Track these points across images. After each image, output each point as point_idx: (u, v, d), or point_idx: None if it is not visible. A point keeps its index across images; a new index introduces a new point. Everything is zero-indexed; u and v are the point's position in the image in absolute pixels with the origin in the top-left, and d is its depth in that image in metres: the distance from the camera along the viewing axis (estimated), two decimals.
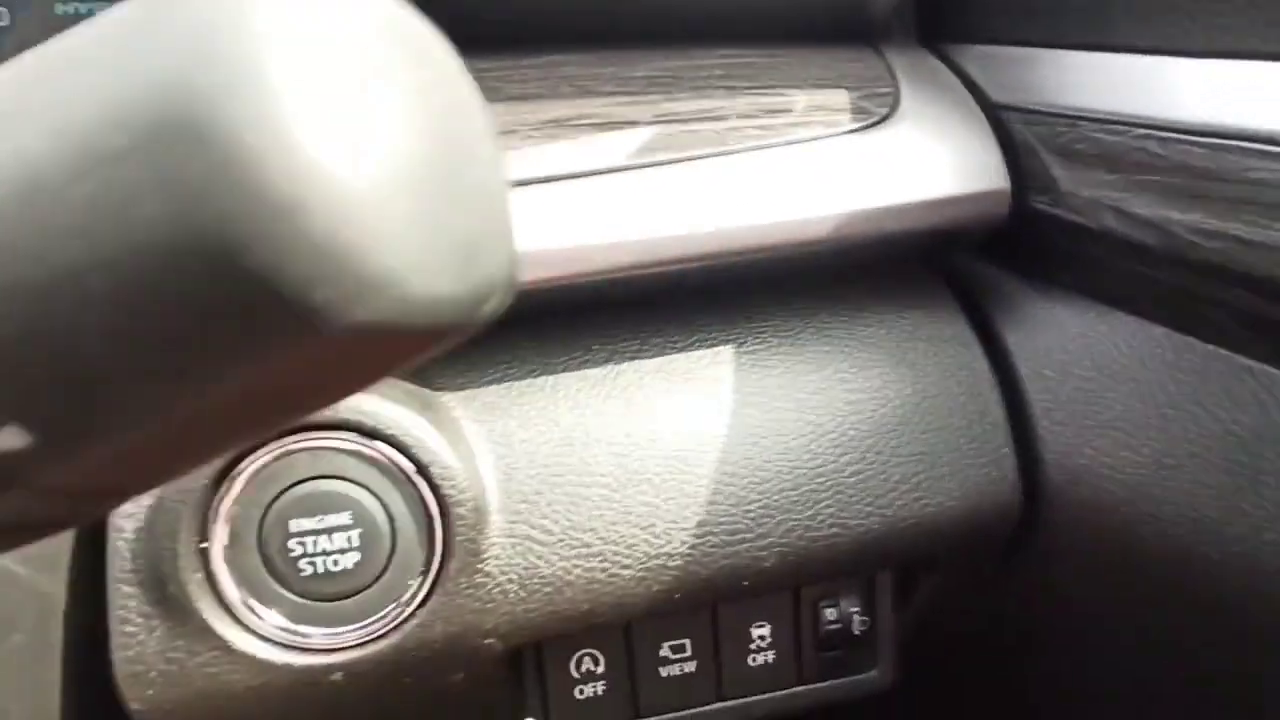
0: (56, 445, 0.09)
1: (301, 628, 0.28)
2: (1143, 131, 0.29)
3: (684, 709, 0.36)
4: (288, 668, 0.28)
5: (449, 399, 0.31)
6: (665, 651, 0.35)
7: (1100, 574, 0.34)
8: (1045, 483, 0.34)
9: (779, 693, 0.36)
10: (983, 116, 0.35)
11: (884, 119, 0.34)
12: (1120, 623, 0.35)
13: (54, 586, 0.28)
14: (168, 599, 0.27)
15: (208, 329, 0.08)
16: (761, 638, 0.36)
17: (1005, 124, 0.35)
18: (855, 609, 0.36)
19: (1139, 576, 0.32)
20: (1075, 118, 0.32)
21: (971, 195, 0.33)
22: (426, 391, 0.31)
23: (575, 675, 0.34)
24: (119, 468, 0.10)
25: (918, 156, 0.33)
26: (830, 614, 0.36)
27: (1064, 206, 0.33)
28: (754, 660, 0.36)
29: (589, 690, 0.35)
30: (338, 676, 0.29)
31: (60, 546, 0.29)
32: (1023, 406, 0.35)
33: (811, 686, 0.37)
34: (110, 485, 0.10)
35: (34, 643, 0.27)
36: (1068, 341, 0.34)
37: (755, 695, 0.36)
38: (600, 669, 0.34)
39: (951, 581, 0.36)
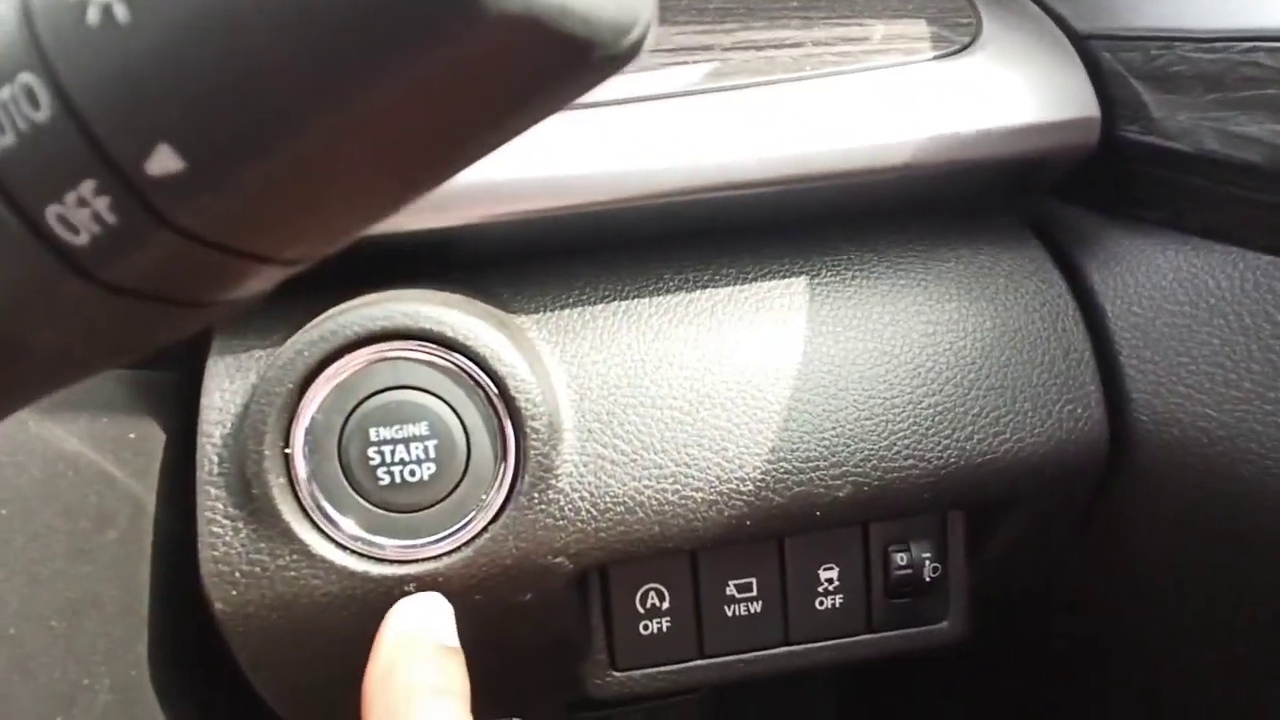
0: (208, 169, 0.09)
1: (377, 538, 0.29)
2: (1249, 45, 0.28)
3: (749, 651, 0.35)
4: (364, 576, 0.28)
5: (524, 321, 0.31)
6: (731, 590, 0.34)
7: (1193, 519, 0.32)
8: (1132, 424, 0.33)
9: (846, 639, 0.36)
10: (1069, 45, 0.34)
11: (965, 48, 0.33)
12: (1215, 571, 0.33)
13: (146, 491, 0.29)
14: (252, 501, 0.28)
15: (370, 18, 0.08)
16: (829, 580, 0.35)
17: (1092, 53, 0.34)
18: (927, 555, 0.35)
19: (1239, 521, 0.30)
20: (1170, 39, 0.31)
21: (1060, 123, 0.32)
22: (502, 313, 0.31)
23: (640, 610, 0.34)
24: (264, 212, 0.10)
25: (1002, 84, 0.32)
26: (900, 559, 0.35)
27: (1157, 133, 0.32)
28: (821, 604, 0.35)
29: (654, 626, 0.34)
30: (411, 589, 0.29)
31: (152, 453, 0.30)
32: (1108, 345, 0.33)
33: (879, 635, 0.36)
34: (254, 238, 0.10)
35: (127, 539, 0.28)
36: (1158, 277, 0.33)
37: (822, 640, 0.35)
38: (665, 605, 0.34)
39: (1029, 529, 0.35)
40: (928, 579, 0.35)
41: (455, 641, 0.23)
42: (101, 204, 0.10)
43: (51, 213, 0.10)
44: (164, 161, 0.09)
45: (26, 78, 0.09)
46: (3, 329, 0.11)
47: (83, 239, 0.10)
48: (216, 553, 0.28)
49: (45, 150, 0.10)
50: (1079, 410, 0.32)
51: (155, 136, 0.09)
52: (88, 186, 0.10)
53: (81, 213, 0.10)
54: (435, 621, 0.23)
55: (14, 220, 0.10)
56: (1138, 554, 0.35)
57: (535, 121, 0.11)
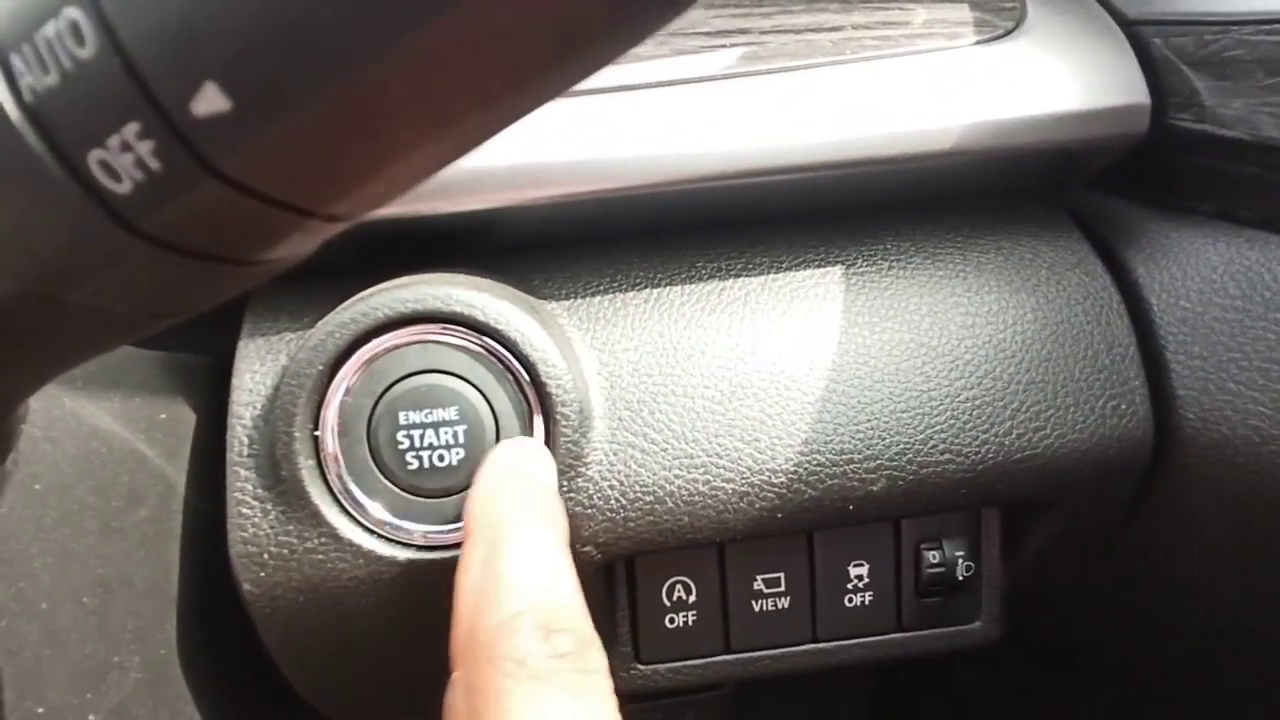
0: (255, 110, 0.09)
1: (404, 523, 0.28)
2: None
3: (776, 648, 0.35)
4: (391, 561, 0.28)
5: (555, 307, 0.31)
6: (759, 585, 0.34)
7: (1240, 521, 0.31)
8: (1178, 422, 0.32)
9: (875, 638, 0.35)
10: (1118, 30, 0.33)
11: (1009, 33, 0.32)
12: (1260, 575, 0.32)
13: (176, 472, 0.29)
14: (281, 483, 0.28)
15: None
16: (859, 577, 0.34)
17: (1141, 39, 0.33)
18: (960, 553, 0.34)
19: None
20: (1226, 23, 0.30)
21: (1107, 110, 0.31)
22: (533, 299, 0.31)
23: (666, 603, 0.34)
24: (309, 159, 0.10)
25: (1046, 70, 0.31)
26: (933, 557, 0.34)
27: (1211, 121, 0.31)
28: (850, 601, 0.34)
29: (679, 620, 0.34)
30: (437, 576, 0.29)
31: (183, 434, 0.30)
32: (1154, 340, 0.32)
33: (909, 634, 0.35)
34: (298, 187, 0.10)
35: (158, 518, 0.28)
36: (1208, 271, 0.32)
37: (850, 638, 0.35)
38: (692, 598, 0.34)
39: (1066, 528, 0.34)
40: (960, 578, 0.34)
41: (556, 490, 0.22)
42: (145, 148, 0.09)
43: (94, 158, 0.10)
44: (210, 101, 0.09)
45: (72, 13, 0.09)
46: (39, 284, 0.11)
47: (125, 187, 0.10)
48: (245, 534, 0.28)
49: (89, 90, 0.09)
50: (1123, 406, 0.31)
51: (202, 74, 0.09)
52: (131, 129, 0.09)
53: (125, 158, 0.09)
54: (541, 465, 0.22)
55: (56, 165, 0.10)
56: (1179, 555, 0.34)
57: (593, 67, 0.10)
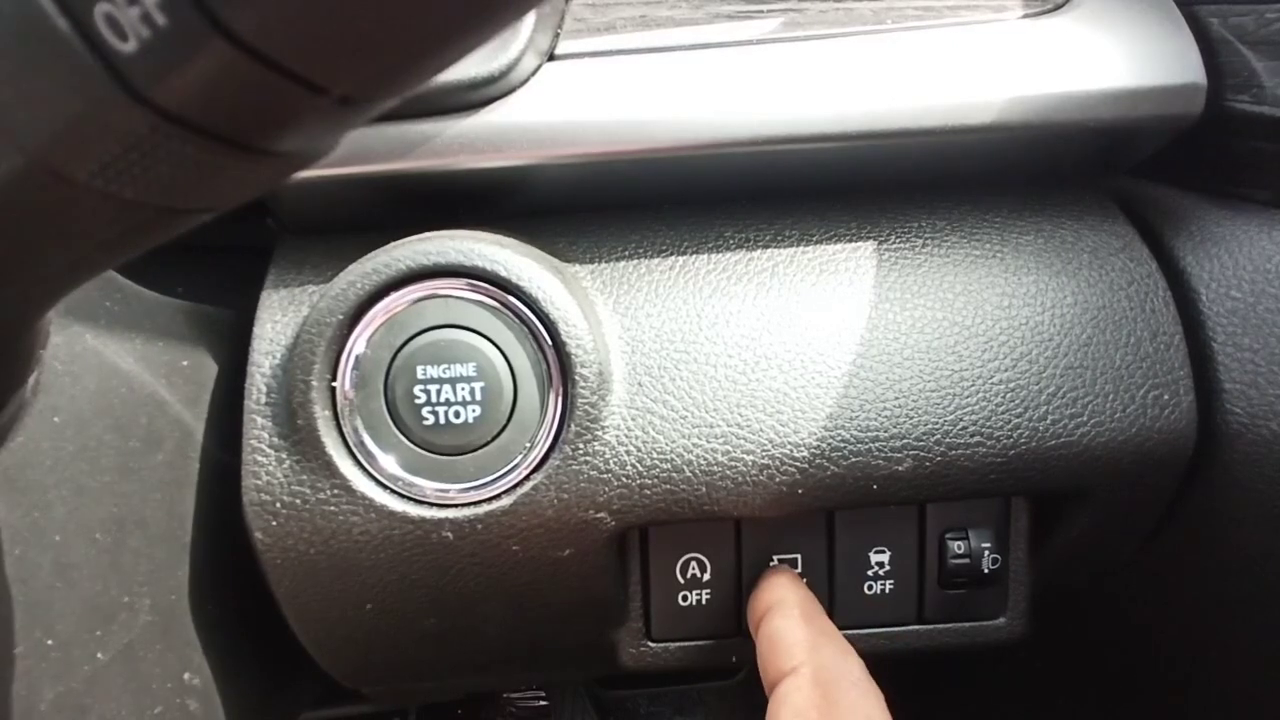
0: None
1: (417, 479, 0.28)
2: None
3: None
4: (403, 517, 0.28)
5: (579, 270, 0.31)
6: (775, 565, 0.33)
7: None
8: (1224, 416, 0.30)
9: (895, 629, 0.34)
10: (1174, 8, 0.31)
11: (1058, 7, 0.31)
12: None
13: (195, 419, 0.29)
14: (296, 432, 0.28)
15: None
16: (880, 564, 0.33)
17: (1199, 18, 0.31)
18: (986, 545, 0.33)
19: None
20: None
21: (1159, 89, 0.30)
22: (557, 260, 0.30)
23: (680, 580, 0.33)
24: (318, 22, 0.09)
25: (1096, 46, 0.30)
26: (958, 547, 0.33)
27: (1271, 103, 0.29)
28: (870, 589, 0.33)
29: (693, 598, 0.33)
30: (448, 534, 0.28)
31: (204, 383, 0.30)
32: (1202, 331, 0.31)
33: (930, 626, 0.34)
34: (306, 53, 0.10)
35: (174, 463, 0.28)
36: (1262, 260, 0.30)
37: (869, 628, 0.34)
38: (706, 576, 0.33)
39: (1100, 523, 0.33)
40: (986, 570, 0.33)
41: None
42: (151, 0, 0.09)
43: (100, 11, 0.09)
44: None
45: None
46: (46, 156, 0.11)
47: (131, 46, 0.09)
48: (259, 481, 0.28)
49: None
50: (1165, 397, 0.30)
51: None
52: None
53: (131, 12, 0.09)
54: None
55: (63, 21, 0.09)
56: (1219, 557, 0.33)
57: None
